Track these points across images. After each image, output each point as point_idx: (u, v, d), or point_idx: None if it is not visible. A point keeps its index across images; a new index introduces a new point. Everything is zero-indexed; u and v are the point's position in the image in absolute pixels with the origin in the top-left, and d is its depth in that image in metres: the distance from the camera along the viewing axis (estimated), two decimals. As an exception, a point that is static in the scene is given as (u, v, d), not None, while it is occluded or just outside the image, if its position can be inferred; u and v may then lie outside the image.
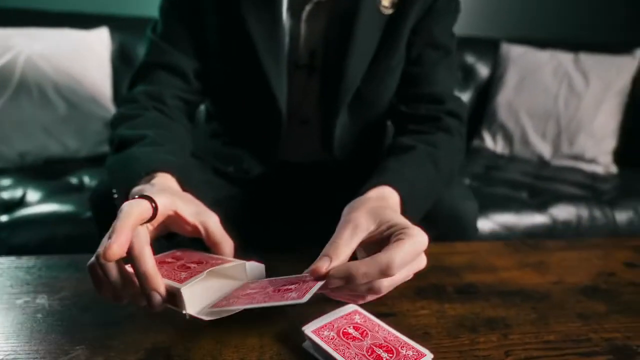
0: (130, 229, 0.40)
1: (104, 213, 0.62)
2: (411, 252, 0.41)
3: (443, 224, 0.67)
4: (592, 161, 1.52)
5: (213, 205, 0.73)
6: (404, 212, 0.52)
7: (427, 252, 0.62)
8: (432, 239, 0.67)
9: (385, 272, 0.39)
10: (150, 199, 0.44)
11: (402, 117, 0.73)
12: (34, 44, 1.21)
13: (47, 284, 0.50)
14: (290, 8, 0.67)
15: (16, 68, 1.17)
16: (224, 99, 0.75)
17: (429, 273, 0.56)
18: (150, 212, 0.43)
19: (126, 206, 0.42)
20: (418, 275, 0.55)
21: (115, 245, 0.38)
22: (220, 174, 0.77)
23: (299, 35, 0.69)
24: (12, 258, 0.56)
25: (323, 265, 0.40)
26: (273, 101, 0.68)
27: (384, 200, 0.51)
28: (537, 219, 1.11)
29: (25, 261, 0.55)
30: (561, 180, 1.34)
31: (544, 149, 1.56)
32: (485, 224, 1.07)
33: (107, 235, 0.40)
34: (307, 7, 0.67)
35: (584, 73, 1.57)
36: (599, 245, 0.69)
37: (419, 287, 0.53)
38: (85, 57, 1.28)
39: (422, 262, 0.45)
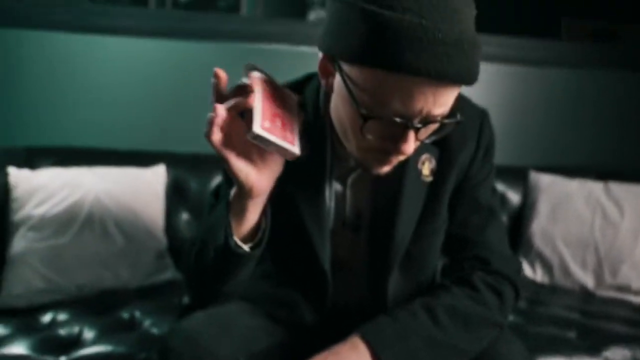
0: None
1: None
2: None
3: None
4: (639, 293, 1.48)
5: (265, 352, 0.75)
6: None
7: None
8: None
9: None
10: None
11: (443, 272, 0.77)
12: (101, 182, 1.34)
13: None
14: (337, 175, 0.74)
15: (84, 206, 1.28)
16: (273, 256, 0.80)
17: None
18: None
19: None
20: None
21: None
22: (273, 317, 0.79)
23: (345, 197, 0.75)
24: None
25: None
26: (316, 260, 0.73)
27: (351, 348, 0.65)
28: (590, 362, 1.07)
29: None
30: (610, 317, 1.30)
31: (587, 279, 1.54)
32: (536, 368, 1.04)
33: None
34: (353, 175, 0.74)
35: (616, 203, 1.60)
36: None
37: None
38: (143, 193, 1.40)
39: None
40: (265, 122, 0.58)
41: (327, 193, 0.73)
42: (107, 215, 1.30)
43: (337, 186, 0.75)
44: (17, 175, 1.32)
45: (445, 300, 0.69)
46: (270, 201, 0.70)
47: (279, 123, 0.60)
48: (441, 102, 0.57)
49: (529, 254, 1.63)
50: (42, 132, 1.60)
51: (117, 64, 1.65)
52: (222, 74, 0.61)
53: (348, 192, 0.75)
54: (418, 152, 0.71)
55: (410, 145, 0.59)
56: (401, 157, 0.63)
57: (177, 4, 1.80)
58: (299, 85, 0.75)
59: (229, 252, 0.67)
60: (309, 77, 0.76)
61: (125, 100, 1.66)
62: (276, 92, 0.63)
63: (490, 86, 1.86)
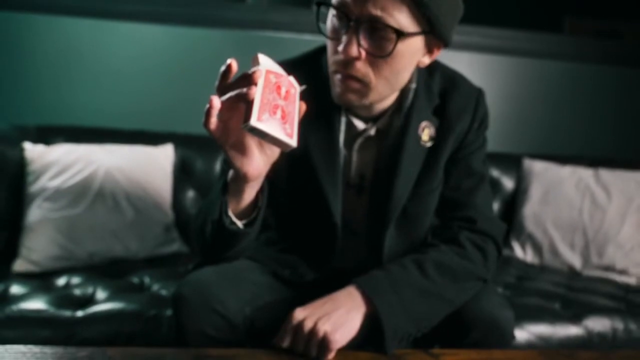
0: None
1: (185, 316, 0.72)
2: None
3: (482, 330, 0.74)
4: (623, 272, 1.55)
5: (269, 306, 0.82)
6: (374, 304, 0.70)
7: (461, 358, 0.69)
8: (471, 344, 0.74)
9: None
10: None
11: (434, 233, 0.83)
12: (112, 158, 1.41)
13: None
14: (345, 140, 0.81)
15: (96, 180, 1.35)
16: (285, 214, 0.87)
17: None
18: None
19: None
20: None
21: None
22: (277, 276, 0.86)
23: (351, 161, 0.82)
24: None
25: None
26: (329, 216, 0.80)
27: (348, 295, 0.72)
28: (571, 330, 1.14)
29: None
30: (593, 292, 1.37)
31: (574, 260, 1.61)
32: (521, 334, 1.11)
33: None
34: (359, 140, 0.81)
35: (605, 188, 1.66)
36: (632, 358, 0.73)
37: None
38: (152, 170, 1.47)
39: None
40: (263, 115, 0.59)
41: (339, 154, 0.80)
42: (118, 190, 1.36)
43: (344, 150, 0.81)
44: (32, 150, 1.39)
45: (434, 256, 0.76)
46: (290, 159, 0.73)
47: (279, 115, 0.62)
48: (378, 2, 0.65)
49: (521, 236, 1.69)
50: (53, 114, 1.66)
51: (126, 48, 1.71)
52: (234, 67, 0.63)
53: (354, 156, 0.82)
54: (418, 119, 0.79)
55: (353, 48, 0.67)
56: (352, 72, 0.70)
57: (185, -8, 1.85)
58: (312, 57, 0.82)
59: (223, 228, 0.72)
60: (323, 47, 0.82)
61: (134, 84, 1.72)
62: (280, 83, 0.63)
63: (490, 76, 1.92)
